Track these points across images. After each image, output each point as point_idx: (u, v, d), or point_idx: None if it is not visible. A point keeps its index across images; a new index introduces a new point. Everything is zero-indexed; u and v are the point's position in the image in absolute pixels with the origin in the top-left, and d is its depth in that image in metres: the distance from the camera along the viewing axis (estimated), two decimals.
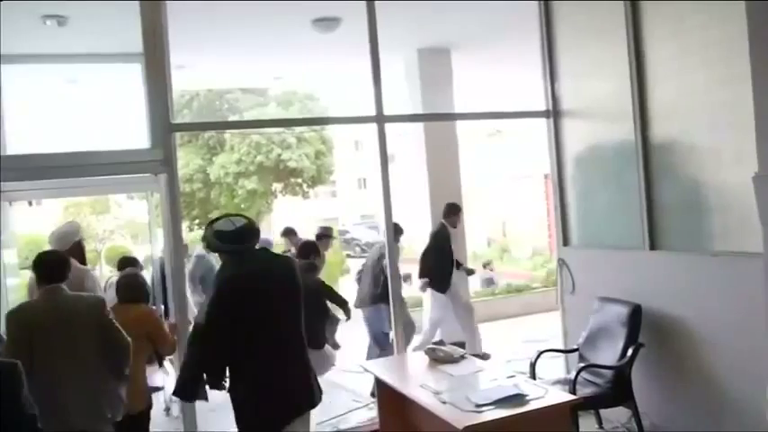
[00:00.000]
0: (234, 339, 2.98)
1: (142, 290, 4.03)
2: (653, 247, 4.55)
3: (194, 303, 6.51)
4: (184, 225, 24.58)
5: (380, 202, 5.05)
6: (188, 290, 5.56)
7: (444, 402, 3.54)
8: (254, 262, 3.16)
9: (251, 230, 3.17)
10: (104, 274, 14.97)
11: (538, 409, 3.40)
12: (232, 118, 23.31)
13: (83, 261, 4.68)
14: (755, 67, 3.53)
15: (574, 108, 5.41)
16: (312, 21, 5.87)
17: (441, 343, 4.60)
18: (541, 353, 4.83)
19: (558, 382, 4.56)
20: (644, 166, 4.56)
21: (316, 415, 3.50)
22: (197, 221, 24.72)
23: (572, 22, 5.31)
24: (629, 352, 4.38)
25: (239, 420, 3.07)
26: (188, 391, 3.13)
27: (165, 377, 5.56)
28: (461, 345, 6.43)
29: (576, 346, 4.88)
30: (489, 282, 12.26)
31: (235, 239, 3.11)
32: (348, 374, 7.00)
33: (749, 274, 3.70)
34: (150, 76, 4.43)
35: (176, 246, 4.40)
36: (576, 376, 4.29)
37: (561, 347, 5.55)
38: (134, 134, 5.22)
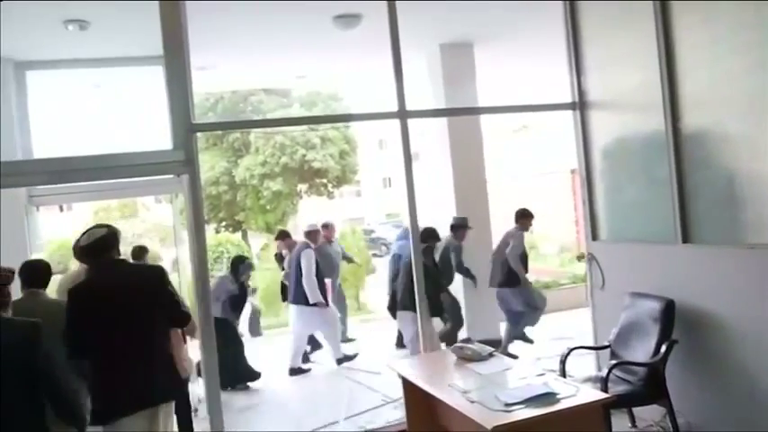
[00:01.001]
0: (82, 341, 3.34)
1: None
2: (685, 240, 4.42)
3: None
4: (210, 227, 24.97)
5: (405, 200, 4.98)
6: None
7: (473, 402, 3.47)
8: (104, 274, 3.46)
9: (103, 245, 3.45)
10: None
11: (569, 408, 3.31)
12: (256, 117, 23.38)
13: None
14: None
15: (601, 100, 5.29)
16: (333, 17, 5.84)
17: (468, 341, 4.52)
18: (571, 350, 4.73)
19: (589, 379, 4.45)
20: (675, 158, 4.43)
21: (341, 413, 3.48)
22: (223, 224, 24.93)
23: (598, 11, 5.18)
24: (663, 348, 4.25)
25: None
26: None
27: None
28: (492, 343, 6.39)
29: (607, 343, 4.76)
30: None
31: (87, 254, 3.46)
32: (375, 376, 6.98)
33: None
34: (171, 78, 4.41)
35: (200, 246, 4.38)
36: (608, 374, 4.18)
37: (591, 344, 5.44)
38: (158, 136, 5.23)
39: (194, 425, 5.11)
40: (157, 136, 5.37)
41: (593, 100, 5.35)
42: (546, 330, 8.53)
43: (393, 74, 5.05)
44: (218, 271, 16.29)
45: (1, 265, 3.29)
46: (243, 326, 9.28)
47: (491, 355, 4.29)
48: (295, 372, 7.72)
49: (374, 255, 21.51)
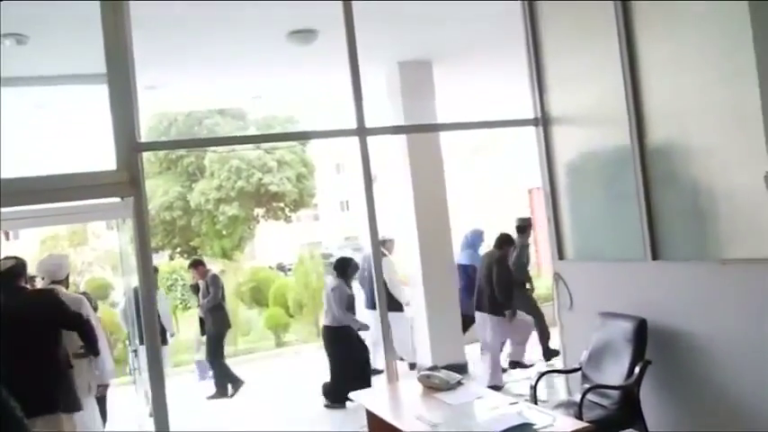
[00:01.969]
0: None
1: None
2: (655, 257, 4.29)
3: None
4: (165, 254, 24.31)
5: (365, 220, 4.76)
6: None
7: None
8: (9, 298, 3.96)
9: (9, 274, 4.05)
10: None
11: None
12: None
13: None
14: (762, 60, 3.31)
15: (564, 115, 5.18)
16: (288, 34, 5.63)
17: (435, 368, 4.30)
18: (542, 374, 4.55)
19: (561, 405, 4.28)
20: (642, 172, 4.31)
21: None
22: (178, 250, 24.32)
23: (558, 24, 5.10)
24: (637, 370, 4.09)
25: None
26: None
27: None
28: (458, 368, 6.18)
29: (578, 365, 4.58)
30: None
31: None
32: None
33: (762, 281, 3.47)
34: (114, 94, 4.16)
35: (147, 273, 4.08)
36: (582, 398, 3.99)
37: (561, 366, 5.27)
38: (104, 157, 4.92)
39: None
40: (103, 157, 5.06)
41: (555, 115, 5.24)
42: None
43: (352, 90, 4.86)
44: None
45: None
46: None
47: (459, 383, 4.07)
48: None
49: None
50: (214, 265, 23.53)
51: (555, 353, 6.96)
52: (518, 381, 6.89)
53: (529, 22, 5.31)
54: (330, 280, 7.19)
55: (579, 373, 4.54)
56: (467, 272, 7.88)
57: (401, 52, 6.97)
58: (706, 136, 3.94)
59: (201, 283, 8.23)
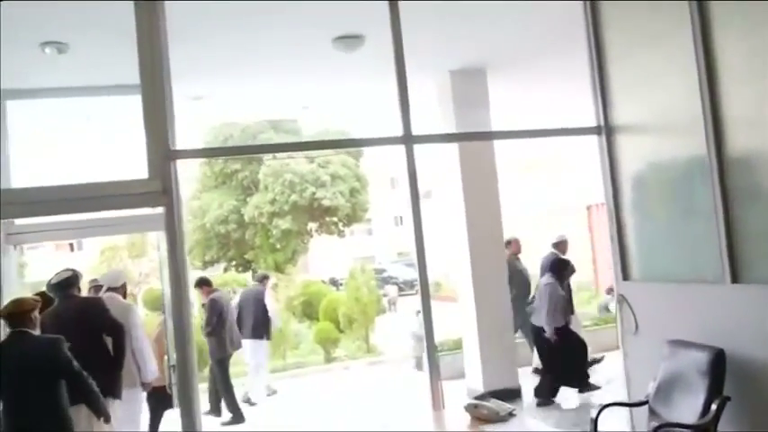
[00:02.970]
0: None
1: None
2: (735, 279, 3.82)
3: None
4: (220, 266, 24.52)
5: (402, 232, 4.46)
6: None
7: None
8: (62, 304, 4.68)
9: (64, 283, 4.68)
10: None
11: None
12: (264, 157, 23.05)
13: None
14: None
15: (629, 123, 4.76)
16: (332, 39, 5.39)
17: (483, 397, 3.93)
18: (604, 407, 4.10)
19: None
20: (720, 185, 3.87)
21: None
22: (233, 262, 24.49)
23: (623, 25, 4.70)
24: (714, 407, 3.63)
25: None
26: None
27: None
28: (511, 393, 5.88)
29: (645, 398, 4.14)
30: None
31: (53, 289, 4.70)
32: None
33: None
34: (147, 102, 3.99)
35: (177, 284, 3.86)
36: None
37: (624, 398, 4.81)
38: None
39: None
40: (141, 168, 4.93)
41: (620, 123, 4.83)
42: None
43: (398, 96, 4.59)
44: None
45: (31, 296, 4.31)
46: None
47: (511, 414, 3.69)
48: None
49: (385, 295, 20.92)
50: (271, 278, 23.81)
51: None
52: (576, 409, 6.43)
53: (591, 24, 4.93)
54: (545, 278, 7.14)
55: (646, 407, 4.10)
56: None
57: (453, 60, 6.66)
58: None
59: (206, 302, 7.75)
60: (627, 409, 4.75)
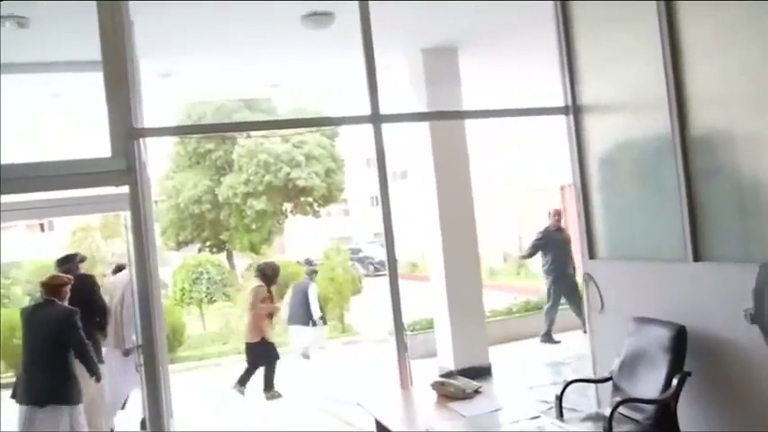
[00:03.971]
0: None
1: None
2: (697, 257, 3.88)
3: None
4: (195, 246, 24.30)
5: (379, 212, 4.45)
6: None
7: None
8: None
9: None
10: None
11: None
12: (239, 137, 22.83)
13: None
14: None
15: (596, 102, 4.78)
16: (301, 17, 5.32)
17: (450, 375, 3.95)
18: (569, 383, 4.15)
19: (589, 418, 3.92)
20: (683, 164, 3.90)
21: None
22: (208, 243, 24.29)
23: (591, 4, 4.69)
24: (674, 382, 3.68)
25: None
26: None
27: None
28: (481, 371, 5.94)
29: (608, 375, 4.20)
30: None
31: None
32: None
33: None
34: (109, 78, 3.90)
35: (140, 266, 3.81)
36: (613, 412, 3.61)
37: (589, 373, 4.89)
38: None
39: None
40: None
41: (587, 103, 4.85)
42: (538, 355, 8.01)
43: (366, 75, 4.55)
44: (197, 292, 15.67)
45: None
46: None
47: (476, 392, 3.72)
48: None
49: (367, 276, 20.96)
50: (243, 260, 23.57)
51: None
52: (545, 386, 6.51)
53: (559, 3, 4.92)
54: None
55: (610, 383, 4.16)
56: None
57: (425, 38, 6.62)
58: (755, 123, 3.53)
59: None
60: (593, 386, 4.84)
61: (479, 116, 6.29)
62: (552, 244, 8.83)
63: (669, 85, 3.95)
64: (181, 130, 11.16)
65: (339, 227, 32.67)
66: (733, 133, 3.70)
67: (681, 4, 3.89)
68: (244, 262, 23.48)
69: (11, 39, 4.90)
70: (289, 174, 22.77)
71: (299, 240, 29.05)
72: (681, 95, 3.93)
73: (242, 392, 7.51)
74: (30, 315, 4.93)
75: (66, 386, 4.69)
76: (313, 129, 20.04)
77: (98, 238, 21.89)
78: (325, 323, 9.25)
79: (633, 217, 4.53)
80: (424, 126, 6.92)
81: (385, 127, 4.62)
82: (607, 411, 3.69)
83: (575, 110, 4.90)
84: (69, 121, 6.42)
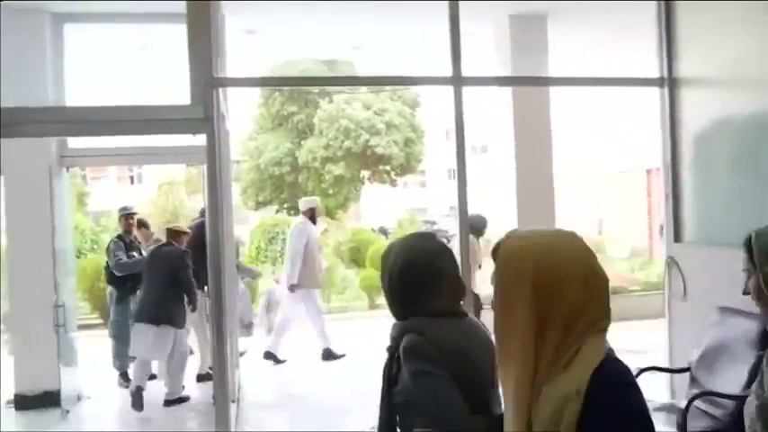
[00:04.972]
0: None
1: None
2: None
3: None
4: (273, 207, 24.80)
5: (470, 188, 4.30)
6: None
7: None
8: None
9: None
10: None
11: None
12: (321, 101, 22.98)
13: None
14: None
15: (694, 75, 4.46)
16: None
17: None
18: (642, 370, 3.94)
19: (661, 408, 3.73)
20: None
21: None
22: (285, 205, 24.76)
23: None
24: None
25: None
26: None
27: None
28: None
29: (687, 366, 3.96)
30: None
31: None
32: None
33: None
34: (192, 28, 3.89)
35: (213, 218, 3.84)
36: (689, 405, 3.41)
37: (666, 363, 4.65)
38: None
39: None
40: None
41: (685, 76, 4.53)
42: (611, 341, 7.71)
43: (449, 34, 4.38)
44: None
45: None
46: None
47: None
48: None
49: None
50: (320, 224, 23.97)
51: None
52: None
53: None
54: None
55: (687, 374, 3.93)
56: None
57: (513, 4, 6.34)
58: None
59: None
60: (667, 375, 4.61)
61: (566, 83, 5.98)
62: None
63: None
64: (259, 82, 11.14)
65: (415, 198, 32.52)
66: None
67: None
68: (320, 226, 23.79)
69: None
70: (368, 141, 22.85)
71: (375, 208, 29.14)
72: None
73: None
74: (153, 253, 6.09)
75: (175, 312, 5.85)
76: (396, 87, 19.68)
77: (182, 193, 22.67)
78: None
79: (726, 200, 4.23)
80: (507, 97, 6.66)
81: (466, 97, 4.45)
82: (681, 403, 3.50)
83: (670, 82, 4.59)
84: (156, 72, 6.54)
